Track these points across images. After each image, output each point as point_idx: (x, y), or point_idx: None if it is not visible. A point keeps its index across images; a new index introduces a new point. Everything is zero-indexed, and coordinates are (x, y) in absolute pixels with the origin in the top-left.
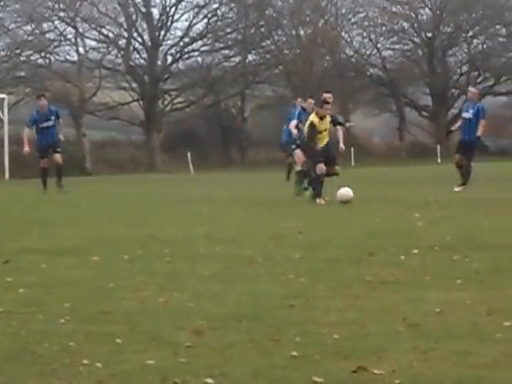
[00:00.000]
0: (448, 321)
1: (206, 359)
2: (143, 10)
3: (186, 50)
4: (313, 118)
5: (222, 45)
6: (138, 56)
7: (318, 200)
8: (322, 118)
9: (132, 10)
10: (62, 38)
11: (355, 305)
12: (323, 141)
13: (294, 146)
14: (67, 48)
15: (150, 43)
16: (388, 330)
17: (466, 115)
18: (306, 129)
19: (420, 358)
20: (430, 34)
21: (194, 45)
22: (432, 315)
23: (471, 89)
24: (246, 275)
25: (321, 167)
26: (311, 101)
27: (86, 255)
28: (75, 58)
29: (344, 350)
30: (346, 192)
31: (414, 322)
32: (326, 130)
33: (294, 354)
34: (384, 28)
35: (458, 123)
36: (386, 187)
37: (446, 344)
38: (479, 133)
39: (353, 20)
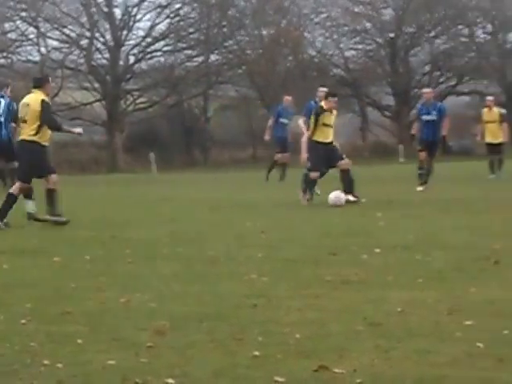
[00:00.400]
0: (409, 320)
1: (168, 359)
2: (105, 9)
3: (149, 50)
4: (323, 104)
5: (184, 45)
6: (100, 56)
7: (302, 197)
8: (330, 112)
9: (94, 9)
10: (24, 38)
11: (317, 304)
12: (327, 137)
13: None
14: (29, 48)
15: (112, 43)
16: (349, 329)
17: (428, 117)
18: (312, 117)
19: (381, 357)
20: (392, 34)
21: (157, 45)
22: (393, 314)
23: (427, 90)
24: (208, 275)
25: (314, 176)
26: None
27: (47, 256)
28: (37, 58)
29: (305, 349)
30: (338, 196)
31: (375, 322)
32: (332, 126)
33: (256, 353)
34: (346, 28)
35: (416, 126)
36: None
37: (407, 343)
38: (445, 132)
39: (315, 20)
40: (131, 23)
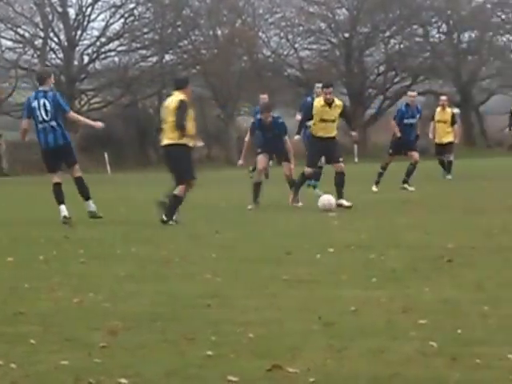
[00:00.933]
0: (363, 319)
1: (121, 359)
2: (59, 9)
3: (103, 49)
4: (319, 100)
5: (138, 45)
6: (54, 56)
7: (292, 199)
8: (330, 105)
9: (48, 9)
10: None
11: (271, 304)
12: (327, 131)
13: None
14: None
15: (66, 43)
16: (303, 328)
17: (413, 121)
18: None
19: (334, 356)
20: (347, 35)
21: (111, 45)
22: (347, 313)
23: (413, 93)
24: (162, 275)
25: (309, 172)
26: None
27: (1, 256)
28: None
29: (259, 348)
30: (328, 200)
31: (329, 321)
32: (332, 120)
33: (209, 353)
34: (301, 28)
35: (396, 127)
36: (304, 186)
37: (360, 342)
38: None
39: (270, 20)
40: (85, 23)
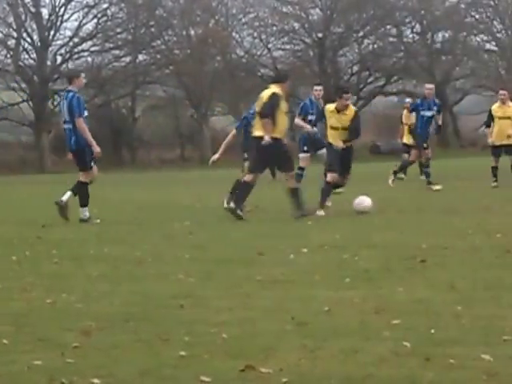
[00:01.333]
0: (336, 319)
1: (94, 359)
2: (32, 9)
3: (76, 50)
4: (329, 106)
5: (112, 45)
6: (27, 56)
7: (318, 211)
8: (339, 111)
9: (21, 10)
10: None
11: (245, 304)
12: (339, 140)
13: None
14: None
15: (39, 43)
16: (277, 328)
17: (429, 113)
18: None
19: (308, 357)
20: (320, 35)
21: (84, 45)
22: (320, 314)
23: (430, 86)
24: (135, 275)
25: (332, 176)
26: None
27: None
28: None
29: (232, 349)
30: (363, 202)
31: (302, 321)
32: (344, 128)
33: (183, 353)
34: (275, 28)
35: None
36: (278, 186)
37: (333, 342)
38: (440, 122)
39: (243, 20)
40: (58, 23)
